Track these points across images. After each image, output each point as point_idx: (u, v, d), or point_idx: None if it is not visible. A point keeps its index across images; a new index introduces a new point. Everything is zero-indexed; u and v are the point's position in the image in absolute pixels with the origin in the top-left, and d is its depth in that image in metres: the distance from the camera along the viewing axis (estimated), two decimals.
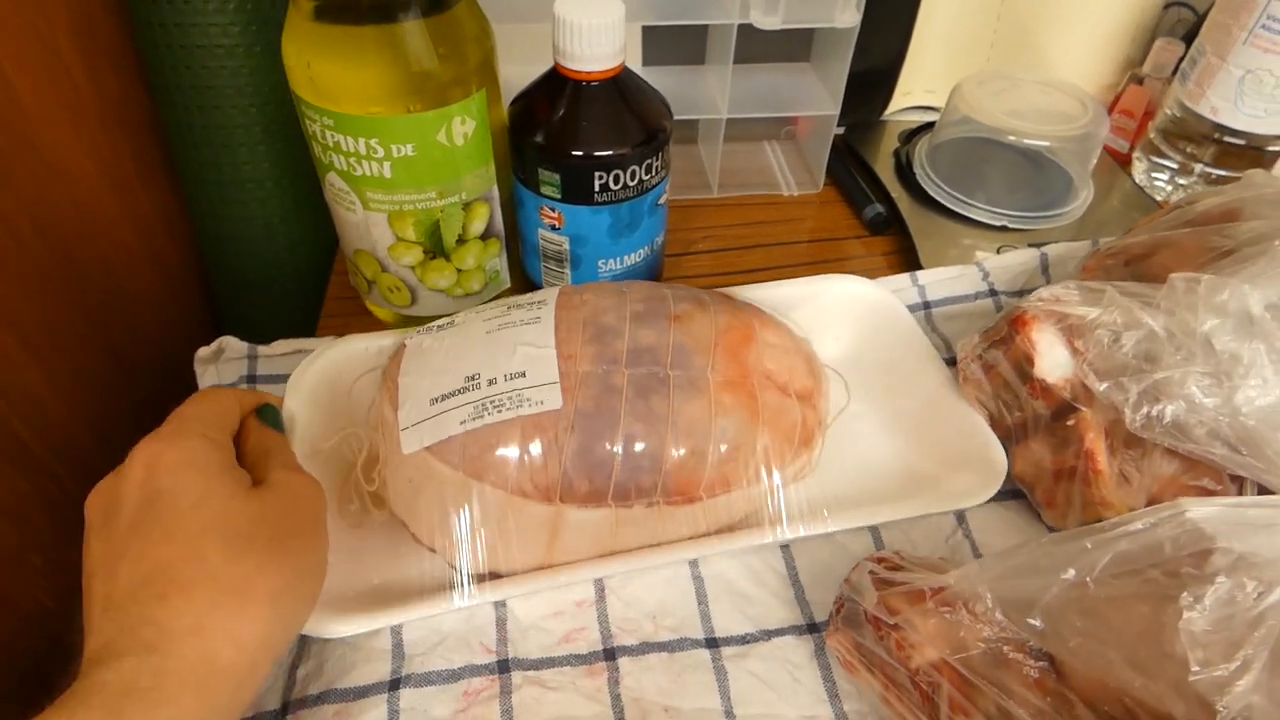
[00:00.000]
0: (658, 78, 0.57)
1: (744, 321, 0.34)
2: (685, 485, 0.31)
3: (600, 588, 0.35)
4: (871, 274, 0.49)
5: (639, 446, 0.30)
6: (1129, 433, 0.32)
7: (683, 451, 0.31)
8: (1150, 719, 0.22)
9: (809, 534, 0.33)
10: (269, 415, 0.33)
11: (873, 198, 0.56)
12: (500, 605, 0.34)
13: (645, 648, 0.33)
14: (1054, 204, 0.54)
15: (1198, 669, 0.21)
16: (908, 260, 0.53)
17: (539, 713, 0.31)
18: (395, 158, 0.36)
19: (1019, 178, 0.55)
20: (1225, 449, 0.28)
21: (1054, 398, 0.34)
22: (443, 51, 0.35)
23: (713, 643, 0.33)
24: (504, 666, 0.32)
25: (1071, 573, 0.24)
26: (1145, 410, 0.30)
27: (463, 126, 0.37)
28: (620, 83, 0.39)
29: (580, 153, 0.39)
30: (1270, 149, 0.58)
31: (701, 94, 0.55)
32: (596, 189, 0.40)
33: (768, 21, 0.48)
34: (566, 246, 0.43)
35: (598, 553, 0.31)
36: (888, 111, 0.66)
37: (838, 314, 0.43)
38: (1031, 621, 0.25)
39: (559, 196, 0.41)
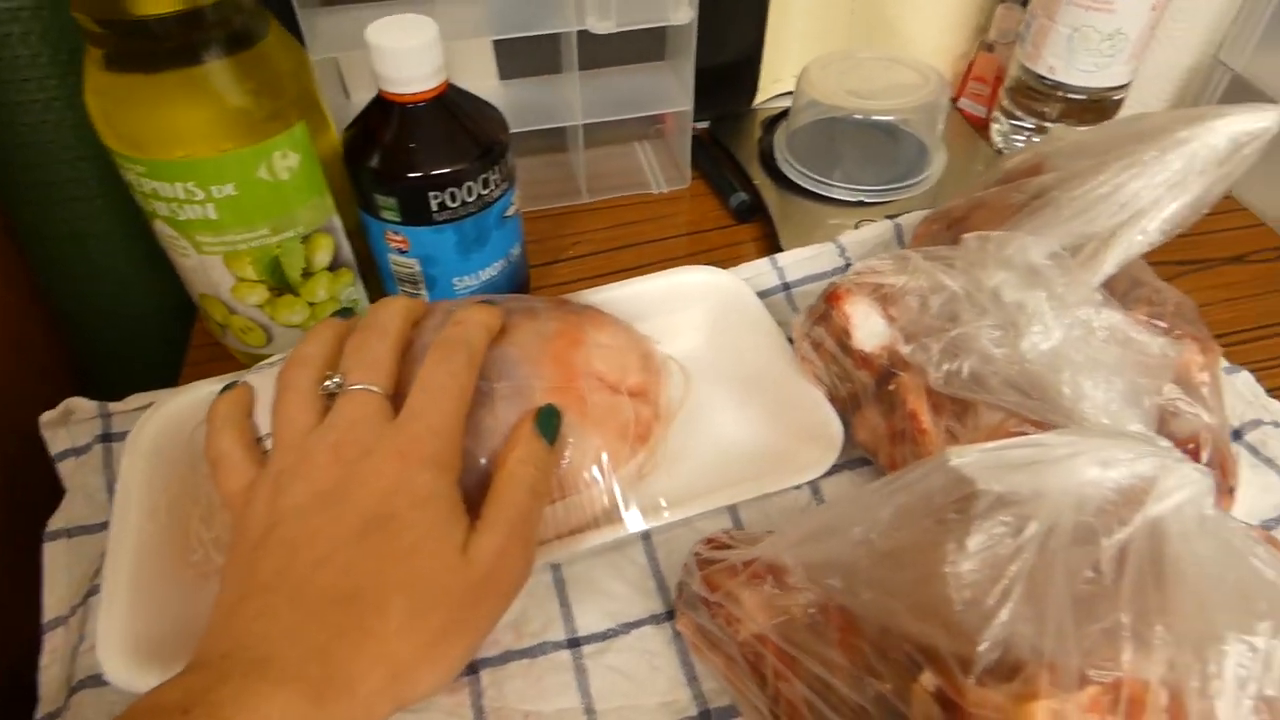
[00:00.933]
0: (515, 91, 0.58)
1: (573, 326, 0.35)
2: None
3: None
4: (739, 261, 0.51)
5: (467, 462, 0.31)
6: None
7: None
8: (927, 661, 0.23)
9: (650, 526, 0.33)
10: (548, 424, 0.31)
11: (737, 186, 0.58)
12: None
13: (506, 657, 0.34)
14: (910, 174, 0.56)
15: (961, 607, 0.22)
16: (774, 245, 0.54)
17: None
18: (217, 199, 0.36)
19: (874, 153, 0.57)
20: (1018, 395, 0.30)
21: (875, 366, 0.35)
22: (251, 87, 0.35)
23: (574, 643, 0.34)
24: None
25: (858, 530, 0.25)
26: (946, 367, 0.31)
27: (285, 160, 0.37)
28: (446, 100, 0.40)
29: (412, 174, 0.39)
30: (1115, 98, 0.60)
31: (559, 102, 0.56)
32: (435, 208, 0.40)
33: (603, 26, 0.49)
34: (418, 268, 0.43)
35: None
36: (759, 100, 0.68)
37: (692, 304, 0.44)
38: (831, 582, 0.26)
39: (399, 219, 0.41)
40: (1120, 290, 0.37)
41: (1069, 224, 0.32)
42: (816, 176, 0.56)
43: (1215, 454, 0.34)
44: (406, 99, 0.38)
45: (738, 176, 0.59)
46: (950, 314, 0.32)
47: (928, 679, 0.23)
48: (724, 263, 0.51)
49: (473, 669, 0.33)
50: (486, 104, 0.43)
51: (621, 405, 0.34)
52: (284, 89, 0.37)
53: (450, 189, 0.40)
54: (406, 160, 0.39)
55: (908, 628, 0.24)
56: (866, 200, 0.55)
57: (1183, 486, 0.23)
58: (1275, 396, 0.46)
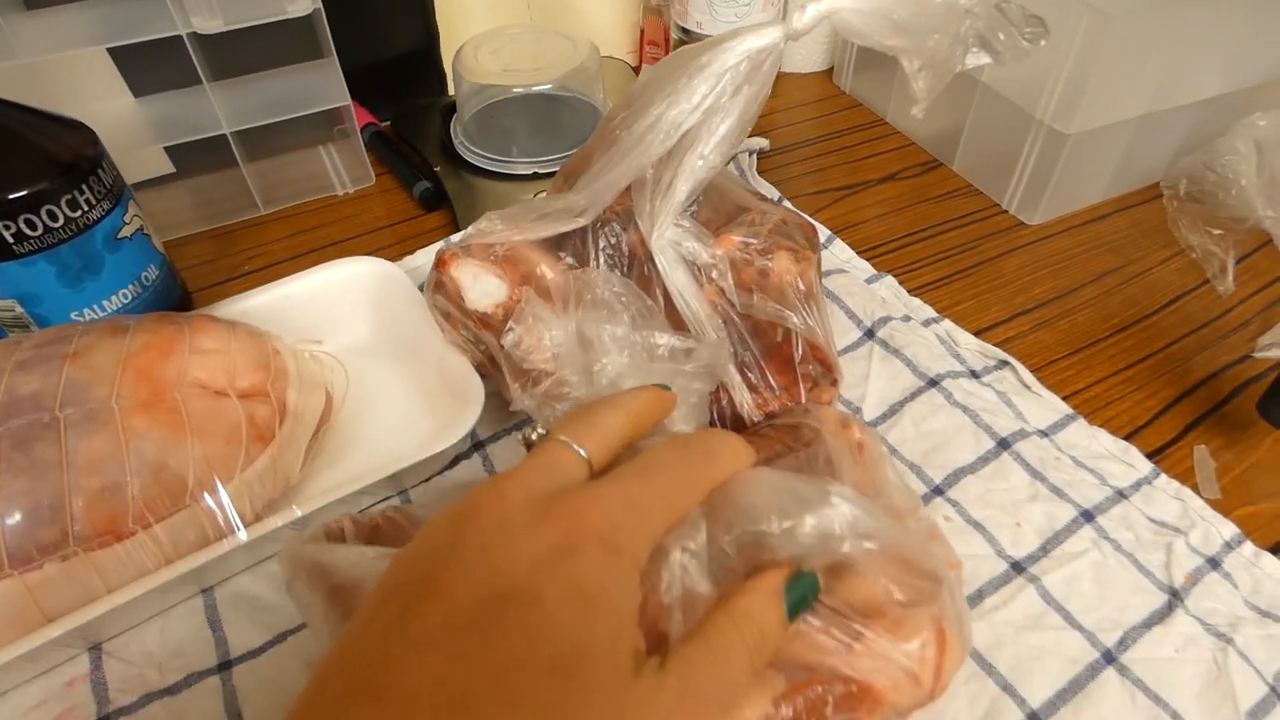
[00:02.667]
0: (154, 106, 0.54)
1: (165, 337, 0.33)
2: (107, 524, 0.29)
3: (97, 657, 0.32)
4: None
5: (27, 502, 0.28)
6: None
7: (93, 490, 0.29)
8: None
9: (277, 527, 0.32)
10: (803, 592, 0.23)
11: (422, 176, 0.57)
12: None
13: (146, 699, 0.31)
14: (585, 140, 0.57)
15: None
16: (459, 228, 0.54)
17: None
18: None
19: (546, 124, 0.58)
20: None
21: (494, 326, 0.35)
22: None
23: (225, 665, 0.32)
24: None
25: None
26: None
27: None
28: None
29: None
30: None
31: (203, 113, 0.52)
32: (11, 240, 0.37)
33: (210, 25, 0.46)
34: (20, 309, 0.39)
35: (28, 628, 0.29)
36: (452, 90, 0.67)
37: (350, 296, 0.43)
38: None
39: None
40: (723, 218, 0.40)
41: (629, 158, 0.33)
42: (493, 155, 0.56)
43: (810, 351, 0.37)
44: None
45: (422, 167, 0.58)
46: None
47: None
48: (410, 253, 0.51)
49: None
50: (65, 119, 0.40)
51: (229, 409, 0.32)
52: None
53: (25, 215, 0.36)
54: None
55: None
56: (543, 171, 0.56)
57: None
58: (916, 295, 0.51)
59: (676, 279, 0.37)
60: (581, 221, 0.36)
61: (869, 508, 0.24)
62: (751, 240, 0.38)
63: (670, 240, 0.37)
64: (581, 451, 0.23)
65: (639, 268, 0.38)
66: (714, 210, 0.39)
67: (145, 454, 0.30)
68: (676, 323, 0.37)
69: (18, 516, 0.28)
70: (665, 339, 0.31)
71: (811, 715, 0.24)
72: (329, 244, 0.55)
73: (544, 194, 0.53)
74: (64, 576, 0.29)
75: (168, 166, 0.57)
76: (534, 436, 0.26)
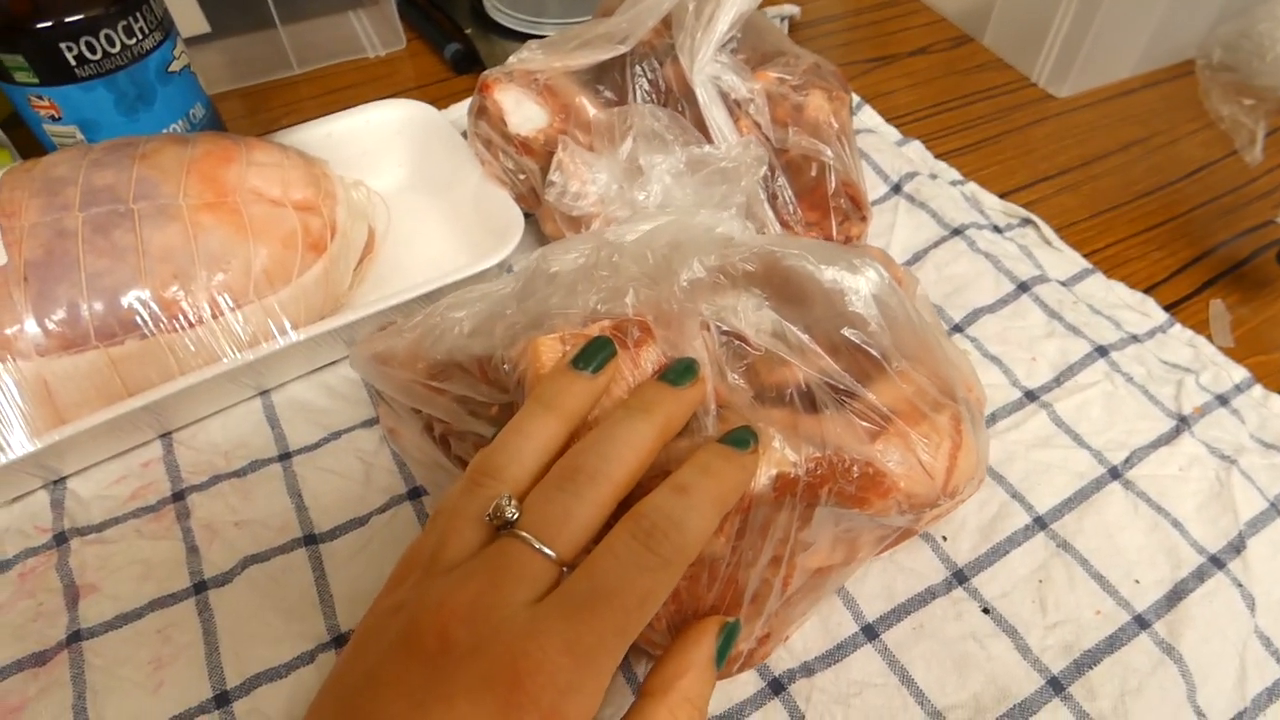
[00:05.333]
0: None
1: (224, 147, 0.35)
2: (180, 309, 0.31)
3: (168, 444, 0.35)
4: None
5: (109, 282, 0.30)
6: None
7: (166, 276, 0.31)
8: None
9: (334, 327, 0.34)
10: (728, 636, 0.23)
11: (453, 39, 0.57)
12: (58, 485, 0.33)
13: (215, 480, 0.34)
14: None
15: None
16: None
17: (105, 566, 0.31)
18: None
19: None
20: None
21: (536, 151, 0.36)
22: None
23: (285, 456, 0.35)
24: (61, 539, 0.32)
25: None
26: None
27: None
28: None
29: (36, 23, 0.36)
30: None
31: None
32: (74, 62, 0.38)
33: None
34: (80, 136, 0.40)
35: (113, 399, 0.31)
36: None
37: (390, 138, 0.44)
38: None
39: (38, 80, 0.38)
40: (760, 58, 0.40)
41: None
42: (526, 17, 0.56)
43: (841, 184, 0.38)
44: None
45: (453, 31, 0.58)
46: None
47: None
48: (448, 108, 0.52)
49: (180, 496, 0.33)
50: None
51: (285, 216, 0.34)
52: None
53: (85, 38, 0.37)
54: (25, 8, 0.36)
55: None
56: None
57: None
58: (942, 158, 0.51)
59: (715, 113, 0.38)
60: (622, 49, 0.36)
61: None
62: (788, 76, 0.38)
63: (710, 75, 0.38)
64: (548, 551, 0.19)
65: (674, 105, 0.39)
66: (752, 50, 0.40)
67: (212, 248, 0.32)
68: None
69: (100, 293, 0.30)
70: (704, 148, 0.32)
71: (826, 483, 0.24)
72: (361, 102, 0.55)
73: None
74: (142, 353, 0.31)
75: (204, 26, 0.58)
76: (509, 514, 0.20)
